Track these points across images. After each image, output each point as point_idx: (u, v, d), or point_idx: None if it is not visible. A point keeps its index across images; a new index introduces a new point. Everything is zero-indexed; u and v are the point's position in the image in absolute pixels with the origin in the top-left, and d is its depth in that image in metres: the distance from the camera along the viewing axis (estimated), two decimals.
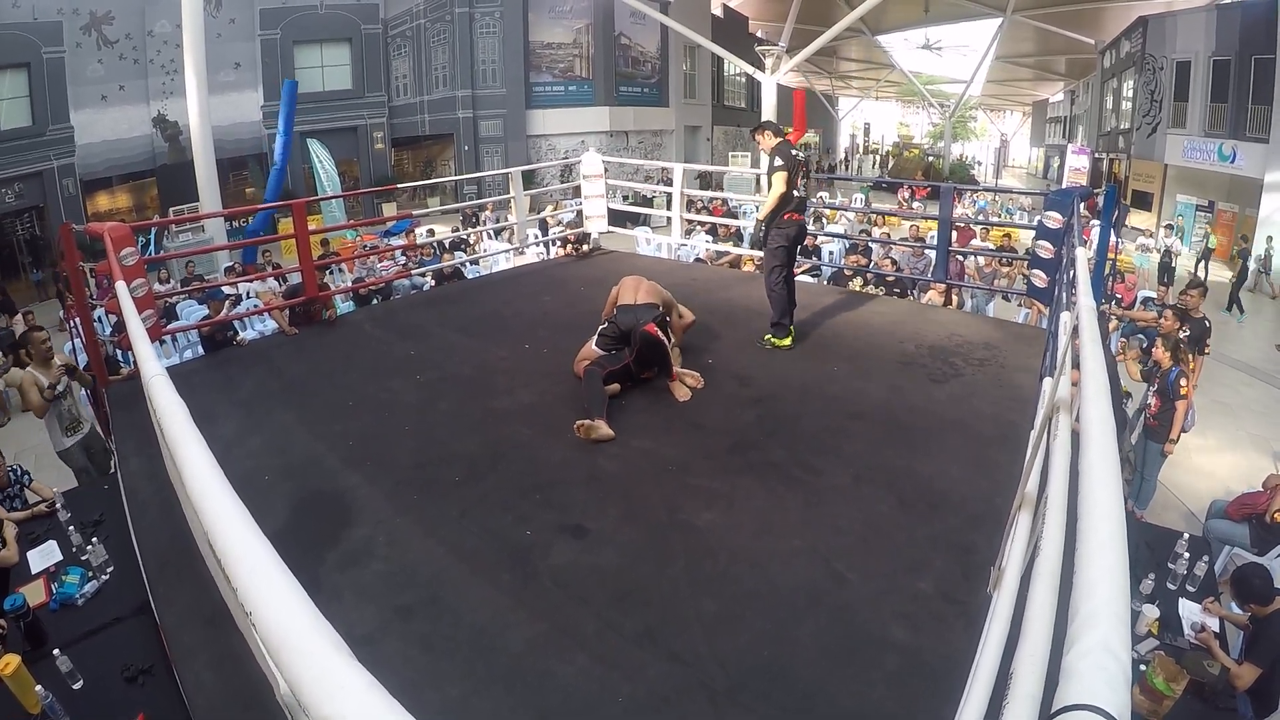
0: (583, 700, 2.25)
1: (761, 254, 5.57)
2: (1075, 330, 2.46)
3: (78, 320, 5.41)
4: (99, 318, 7.83)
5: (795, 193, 5.06)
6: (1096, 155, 27.57)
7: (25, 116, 16.54)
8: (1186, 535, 4.56)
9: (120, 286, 3.89)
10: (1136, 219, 20.54)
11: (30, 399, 4.33)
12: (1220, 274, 16.64)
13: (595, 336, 4.56)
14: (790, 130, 17.77)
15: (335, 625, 1.12)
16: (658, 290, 4.72)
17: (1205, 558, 4.42)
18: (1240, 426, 8.34)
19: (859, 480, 3.47)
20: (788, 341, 5.18)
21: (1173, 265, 15.03)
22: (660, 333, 4.39)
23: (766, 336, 5.22)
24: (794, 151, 5.11)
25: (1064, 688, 0.86)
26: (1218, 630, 3.92)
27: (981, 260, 10.91)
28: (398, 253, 12.14)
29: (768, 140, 5.26)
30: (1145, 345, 7.08)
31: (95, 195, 18.31)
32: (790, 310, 5.20)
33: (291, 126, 16.25)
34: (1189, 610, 4.09)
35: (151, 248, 15.33)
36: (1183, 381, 5.87)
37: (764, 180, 6.17)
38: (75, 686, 2.77)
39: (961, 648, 2.29)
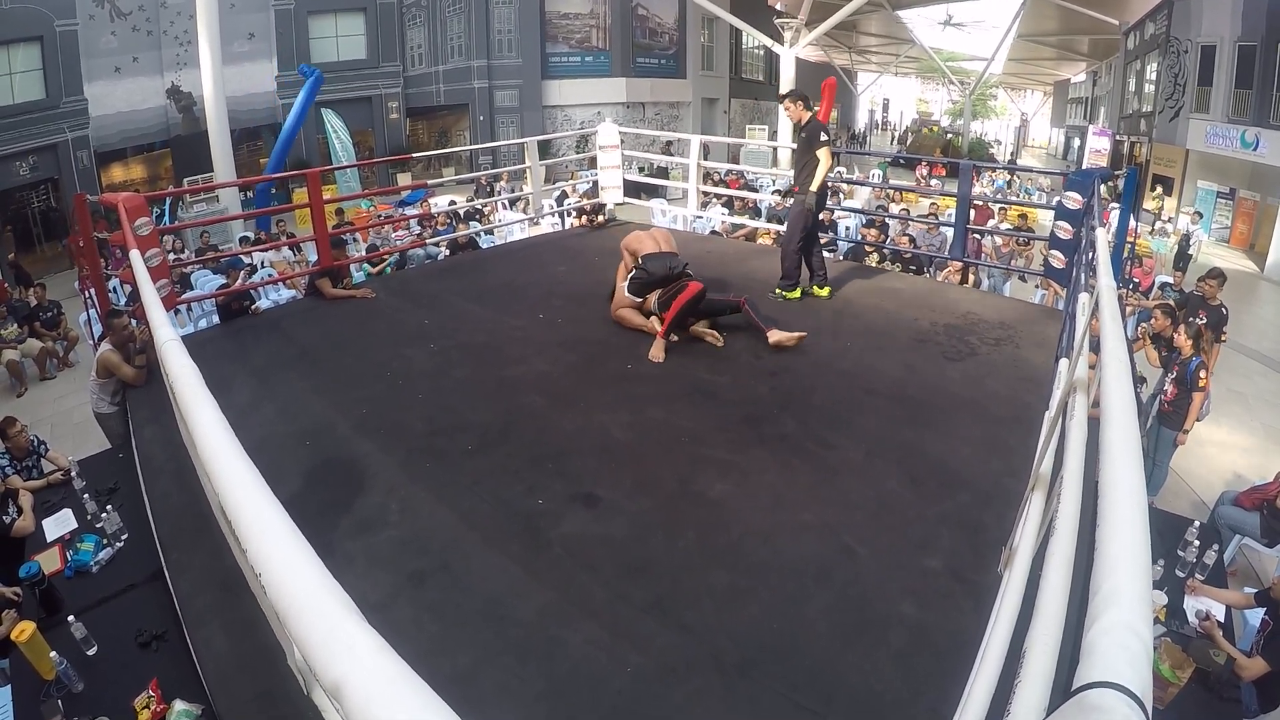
0: (592, 669, 2.26)
1: (783, 227, 5.89)
2: (1094, 312, 2.42)
3: (93, 290, 5.43)
4: (114, 288, 7.87)
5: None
6: (1118, 138, 27.15)
7: (39, 89, 16.46)
8: (1197, 523, 4.54)
9: (135, 255, 3.89)
10: (1152, 202, 20.19)
11: (123, 373, 4.50)
12: (1241, 262, 16.45)
13: (626, 283, 4.65)
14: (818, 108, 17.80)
15: (347, 591, 1.11)
16: (671, 239, 5.00)
17: (1215, 546, 4.40)
18: (1254, 416, 8.24)
19: (871, 456, 3.46)
20: (797, 294, 5.52)
21: (1189, 251, 14.81)
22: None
23: (777, 290, 5.54)
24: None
25: (1085, 665, 0.85)
26: (1222, 619, 3.90)
27: (999, 239, 10.81)
28: (412, 222, 12.13)
29: (799, 110, 5.35)
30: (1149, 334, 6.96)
31: (110, 167, 18.31)
32: (798, 270, 5.52)
33: (305, 113, 16.22)
34: (1195, 598, 4.09)
35: (166, 218, 15.39)
36: (1202, 373, 5.79)
37: (789, 153, 6.51)
38: (90, 652, 2.81)
39: (970, 626, 2.29)
